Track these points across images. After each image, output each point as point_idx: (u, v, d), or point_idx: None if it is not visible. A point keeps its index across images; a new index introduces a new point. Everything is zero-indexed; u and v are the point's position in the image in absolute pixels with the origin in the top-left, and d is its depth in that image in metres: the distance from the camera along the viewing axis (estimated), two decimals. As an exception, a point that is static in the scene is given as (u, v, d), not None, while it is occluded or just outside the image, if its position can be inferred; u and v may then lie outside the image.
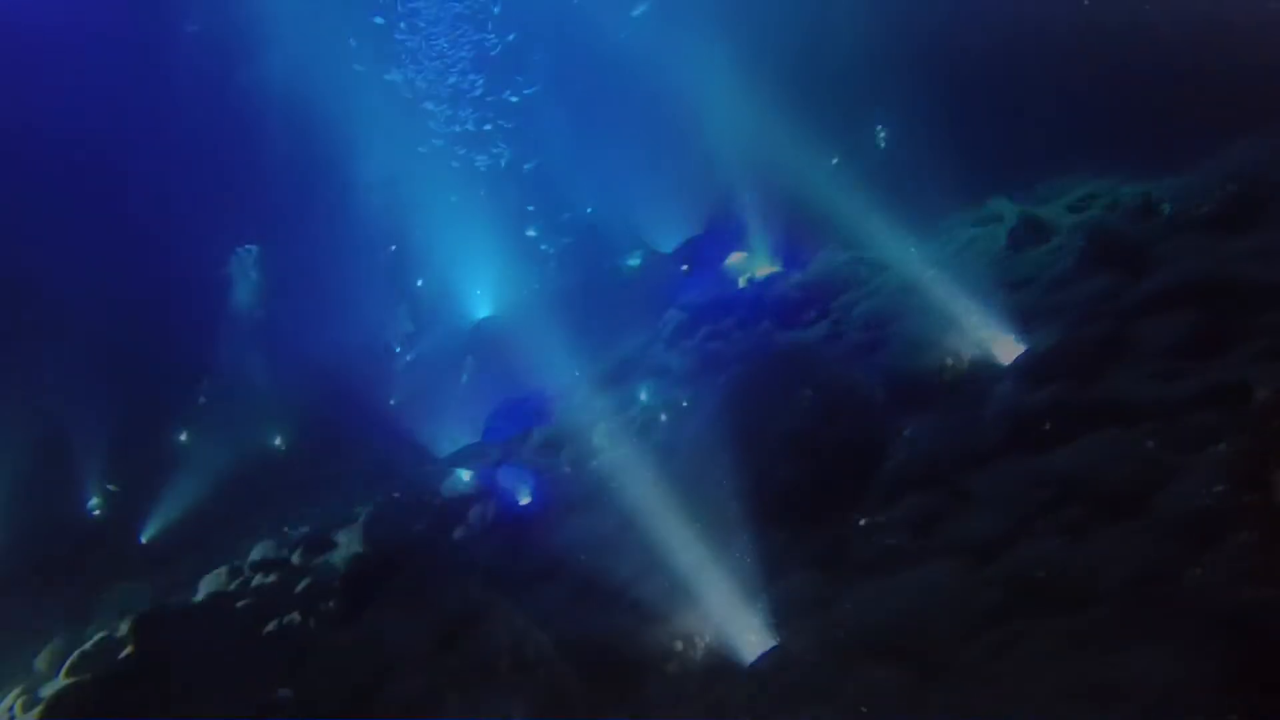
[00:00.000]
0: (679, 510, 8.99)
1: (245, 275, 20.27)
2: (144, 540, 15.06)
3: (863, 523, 8.13)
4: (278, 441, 18.29)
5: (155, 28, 18.56)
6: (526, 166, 19.21)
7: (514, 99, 18.60)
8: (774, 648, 7.31)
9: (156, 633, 9.33)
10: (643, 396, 13.96)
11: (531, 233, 19.03)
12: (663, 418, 12.87)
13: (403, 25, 18.44)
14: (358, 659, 7.19)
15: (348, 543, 12.30)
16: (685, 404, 12.64)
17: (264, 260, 20.32)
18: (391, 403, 20.31)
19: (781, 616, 7.47)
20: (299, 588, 10.46)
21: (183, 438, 17.87)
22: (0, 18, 17.10)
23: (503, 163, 19.21)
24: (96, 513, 15.91)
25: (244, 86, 18.77)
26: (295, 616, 9.35)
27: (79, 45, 17.66)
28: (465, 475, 16.22)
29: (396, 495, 14.89)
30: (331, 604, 9.64)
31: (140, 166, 18.30)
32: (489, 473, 15.60)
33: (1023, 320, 9.54)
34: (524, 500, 14.19)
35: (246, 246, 20.24)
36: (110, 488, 15.91)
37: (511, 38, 18.19)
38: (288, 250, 20.41)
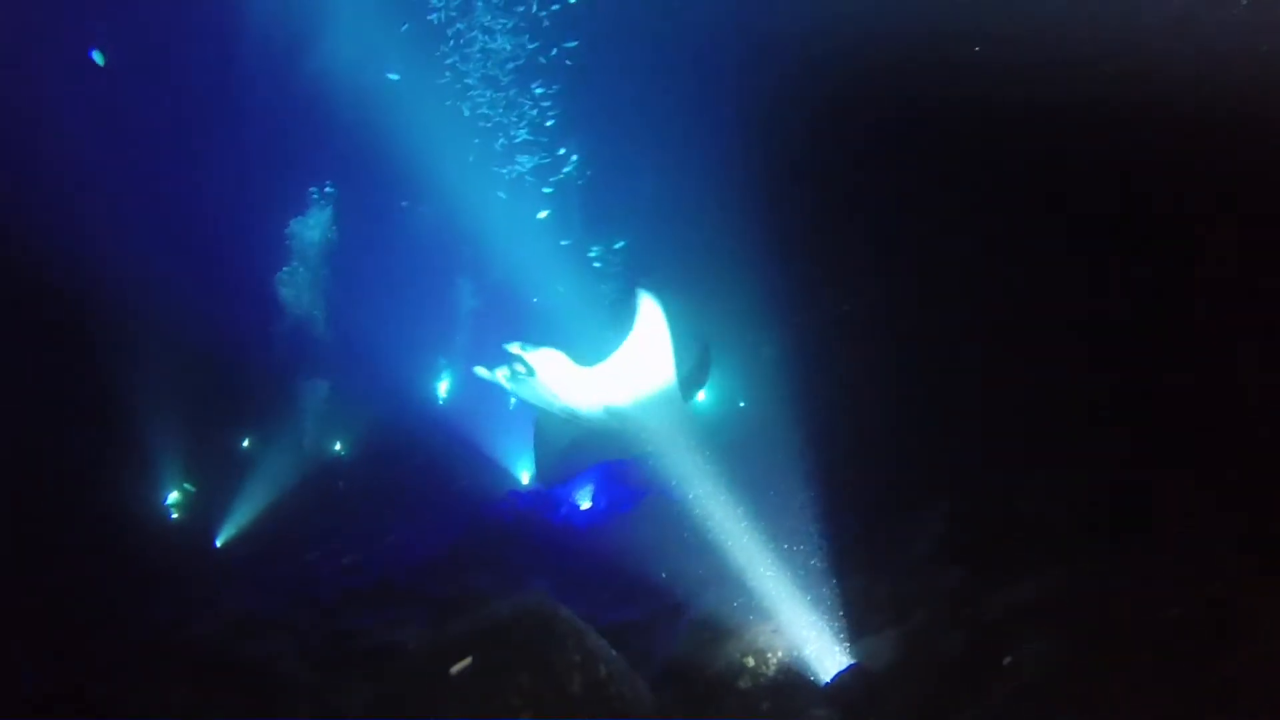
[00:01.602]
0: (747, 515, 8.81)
1: (303, 271, 20.54)
2: (219, 544, 15.41)
3: None
4: (338, 446, 18.62)
5: (224, 19, 18.63)
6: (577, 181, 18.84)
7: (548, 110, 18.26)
8: (852, 665, 7.08)
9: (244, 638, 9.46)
10: None
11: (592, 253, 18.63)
12: None
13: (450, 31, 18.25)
14: (427, 671, 7.18)
15: (406, 549, 12.42)
16: None
17: (324, 258, 20.54)
18: (441, 400, 20.42)
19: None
20: (358, 594, 10.58)
21: (245, 444, 18.25)
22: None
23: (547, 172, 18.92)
24: (175, 515, 16.36)
25: (309, 78, 18.71)
26: (361, 624, 9.44)
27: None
28: (524, 478, 16.27)
29: (456, 499, 15.00)
30: (395, 612, 9.72)
31: (211, 164, 18.65)
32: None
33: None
34: (584, 505, 14.15)
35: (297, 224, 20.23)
36: (187, 486, 16.33)
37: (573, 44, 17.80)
38: (348, 248, 20.67)
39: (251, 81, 18.90)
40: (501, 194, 19.10)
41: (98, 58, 17.40)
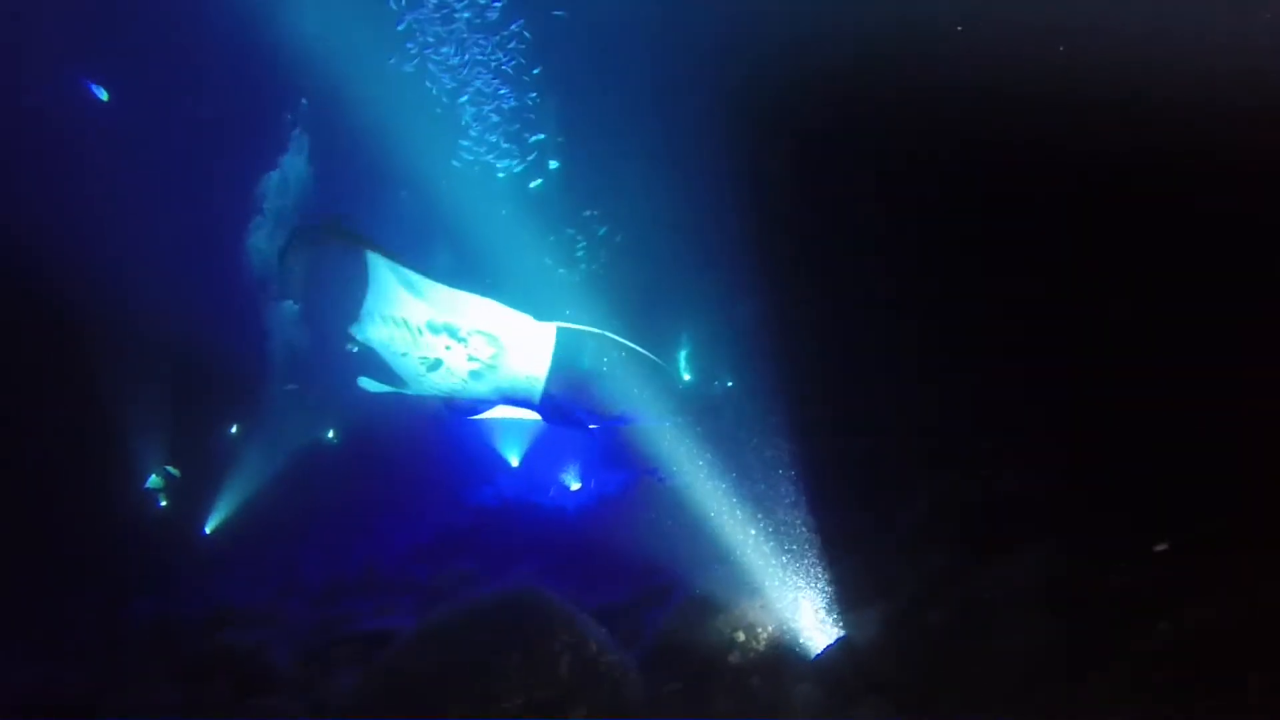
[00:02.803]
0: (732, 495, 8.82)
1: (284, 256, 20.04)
2: (208, 532, 15.29)
3: None
4: (330, 434, 18.47)
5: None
6: (546, 170, 18.34)
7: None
8: (840, 639, 7.14)
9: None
10: None
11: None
12: None
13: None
14: (418, 658, 7.17)
15: (395, 533, 12.38)
16: None
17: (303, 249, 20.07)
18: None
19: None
20: (346, 582, 10.55)
21: (233, 430, 18.04)
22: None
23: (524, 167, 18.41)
24: (163, 502, 16.17)
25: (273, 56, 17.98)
26: (350, 612, 9.43)
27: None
28: (513, 460, 16.25)
29: (444, 483, 14.94)
30: (384, 599, 9.72)
31: (184, 140, 18.19)
32: (536, 453, 15.58)
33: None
34: (573, 487, 14.15)
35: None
36: (170, 469, 16.08)
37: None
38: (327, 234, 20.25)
39: (223, 60, 18.41)
40: (474, 175, 18.65)
41: (101, 93, 16.93)
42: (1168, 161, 8.92)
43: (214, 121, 18.70)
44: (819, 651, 7.14)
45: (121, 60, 17.70)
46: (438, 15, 17.10)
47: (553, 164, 18.26)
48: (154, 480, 15.58)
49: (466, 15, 17.15)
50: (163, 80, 18.32)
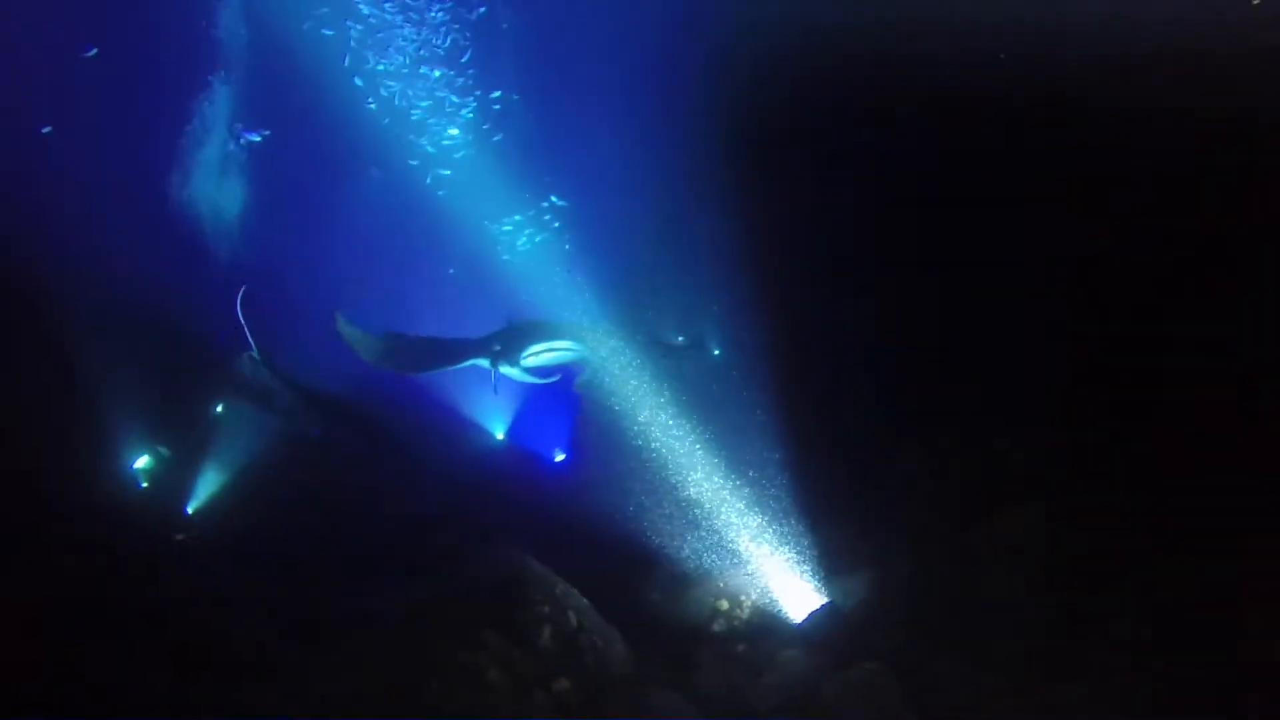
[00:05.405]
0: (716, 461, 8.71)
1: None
2: (189, 511, 15.16)
3: None
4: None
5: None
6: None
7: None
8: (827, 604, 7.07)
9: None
10: None
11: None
12: None
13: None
14: (398, 631, 7.06)
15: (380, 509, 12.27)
16: None
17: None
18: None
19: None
20: (329, 558, 10.43)
21: (219, 409, 17.83)
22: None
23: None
24: (145, 484, 16.02)
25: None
26: (332, 589, 9.30)
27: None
28: (499, 433, 16.12)
29: (428, 457, 14.81)
30: (366, 575, 9.59)
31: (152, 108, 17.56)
32: (519, 425, 15.47)
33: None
34: (558, 457, 14.06)
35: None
36: (161, 450, 15.92)
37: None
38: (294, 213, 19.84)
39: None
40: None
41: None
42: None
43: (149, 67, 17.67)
44: (805, 618, 7.07)
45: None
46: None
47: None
48: (146, 460, 15.40)
49: None
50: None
